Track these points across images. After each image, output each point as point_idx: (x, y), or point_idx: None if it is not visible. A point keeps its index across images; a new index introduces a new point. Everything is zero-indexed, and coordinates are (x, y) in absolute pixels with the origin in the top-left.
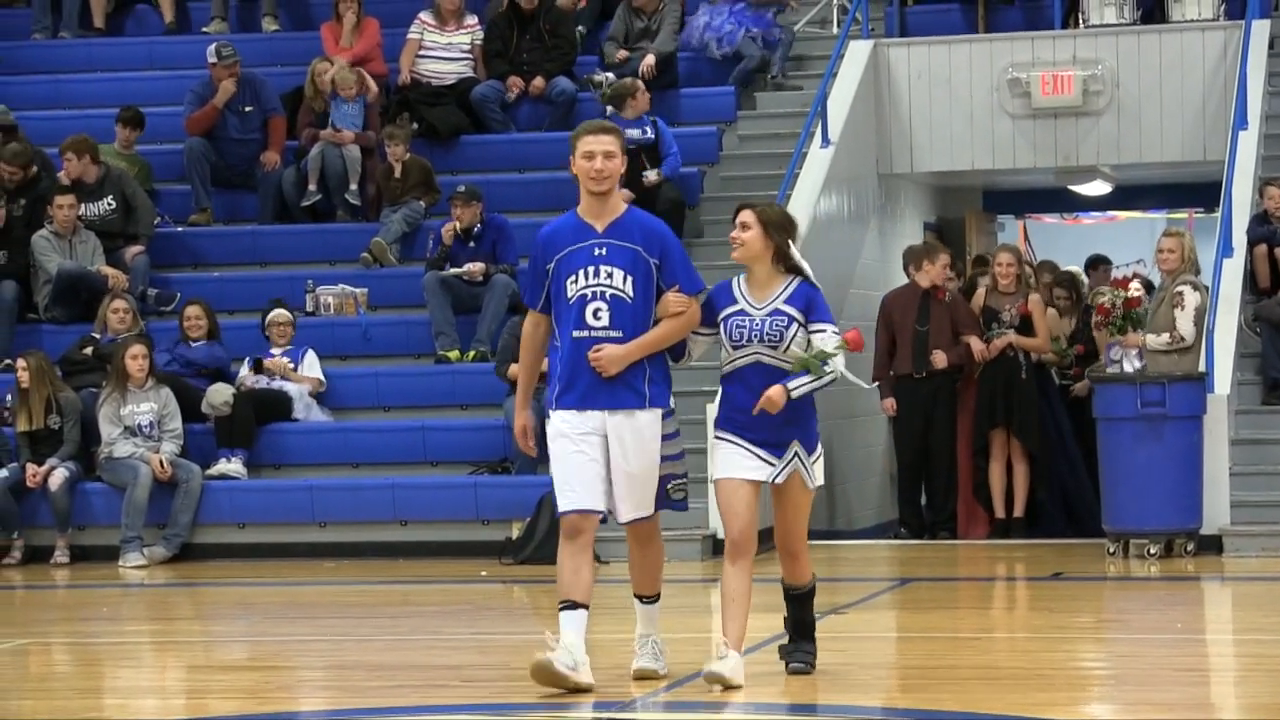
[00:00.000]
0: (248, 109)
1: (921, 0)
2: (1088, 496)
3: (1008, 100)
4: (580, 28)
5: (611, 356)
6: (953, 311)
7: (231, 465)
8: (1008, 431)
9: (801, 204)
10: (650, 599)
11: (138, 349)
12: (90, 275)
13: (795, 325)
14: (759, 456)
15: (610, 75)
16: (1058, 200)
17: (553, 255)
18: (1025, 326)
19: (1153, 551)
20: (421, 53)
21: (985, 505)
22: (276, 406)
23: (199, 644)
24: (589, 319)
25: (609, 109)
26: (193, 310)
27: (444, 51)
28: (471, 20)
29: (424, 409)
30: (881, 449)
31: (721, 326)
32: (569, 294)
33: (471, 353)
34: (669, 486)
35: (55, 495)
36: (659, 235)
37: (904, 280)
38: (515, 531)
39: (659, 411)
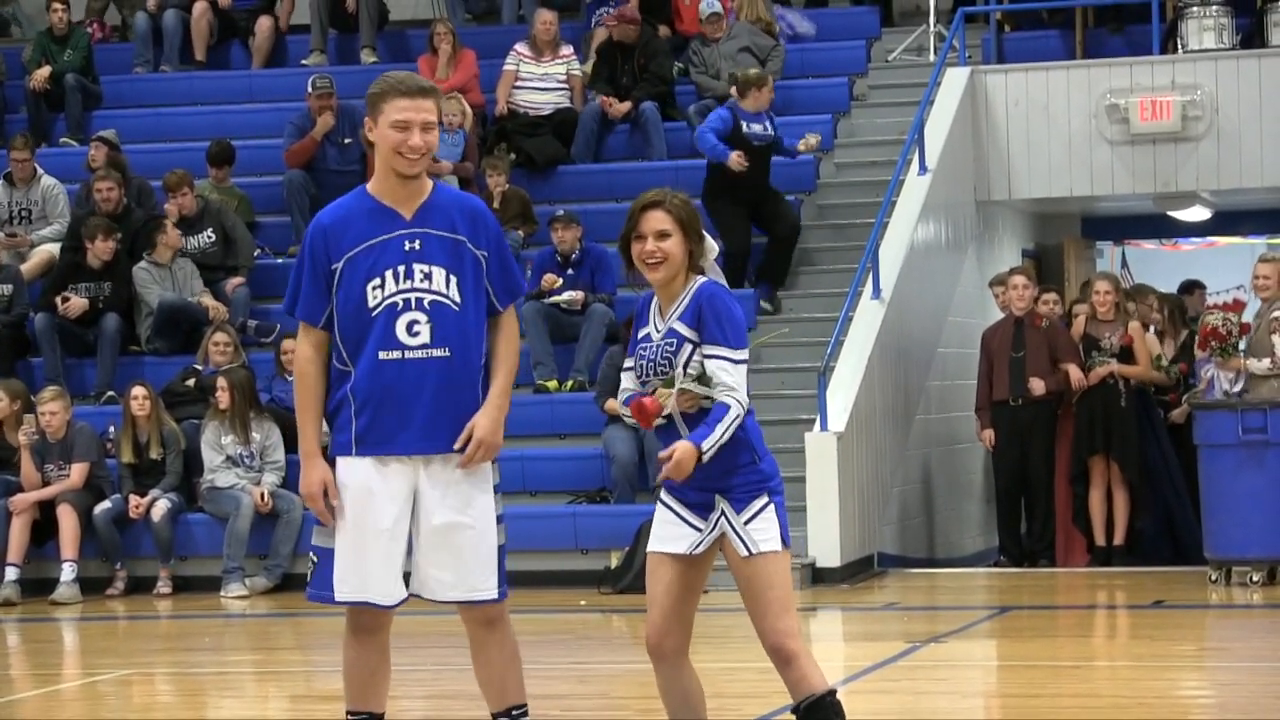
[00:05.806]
0: (346, 141)
1: (1019, 26)
2: (1191, 523)
3: (1106, 126)
4: (679, 64)
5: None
6: (1050, 338)
7: None
8: (1107, 458)
9: (899, 232)
10: (520, 711)
11: (222, 381)
12: (191, 307)
13: (689, 347)
14: (685, 521)
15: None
16: (1157, 226)
17: (341, 253)
18: (1126, 355)
19: (1255, 579)
20: (518, 84)
21: (1085, 533)
22: None
23: (300, 674)
24: (401, 335)
25: (732, 92)
26: (289, 343)
27: (540, 82)
28: (567, 51)
29: (523, 439)
30: (980, 476)
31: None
32: (371, 304)
33: (570, 382)
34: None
35: (158, 526)
36: (484, 218)
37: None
38: (614, 561)
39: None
